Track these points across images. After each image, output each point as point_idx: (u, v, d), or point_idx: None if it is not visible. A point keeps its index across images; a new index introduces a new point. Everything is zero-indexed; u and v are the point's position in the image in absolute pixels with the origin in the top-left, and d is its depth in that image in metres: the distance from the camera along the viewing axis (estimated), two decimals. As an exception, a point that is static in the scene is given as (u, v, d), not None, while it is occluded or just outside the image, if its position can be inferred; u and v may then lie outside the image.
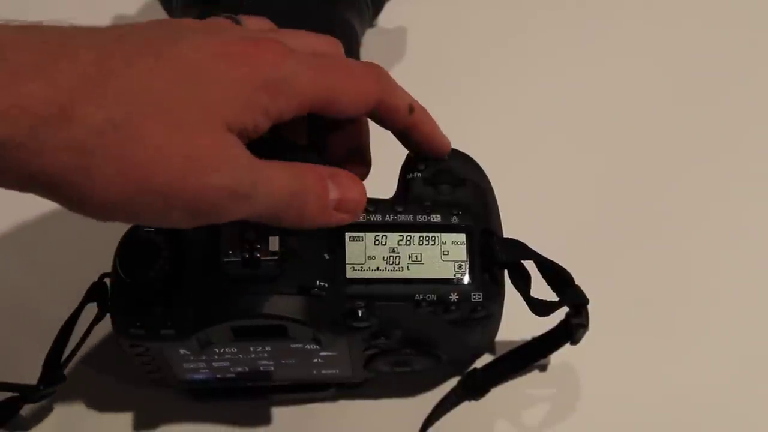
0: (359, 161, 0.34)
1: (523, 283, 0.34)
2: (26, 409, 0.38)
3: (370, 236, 0.33)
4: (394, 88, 0.32)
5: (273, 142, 0.29)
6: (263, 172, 0.28)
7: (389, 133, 0.33)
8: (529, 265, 0.35)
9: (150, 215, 0.26)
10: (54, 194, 0.25)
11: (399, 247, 0.33)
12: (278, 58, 0.28)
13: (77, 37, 0.26)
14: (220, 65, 0.27)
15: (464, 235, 0.33)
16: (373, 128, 0.33)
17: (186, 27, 0.28)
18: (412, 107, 0.32)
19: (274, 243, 0.30)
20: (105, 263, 0.33)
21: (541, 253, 0.34)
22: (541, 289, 0.35)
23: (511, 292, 0.35)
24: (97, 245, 0.34)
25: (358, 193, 0.30)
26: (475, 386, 0.39)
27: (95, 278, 0.35)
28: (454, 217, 0.33)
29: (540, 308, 0.35)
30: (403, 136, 0.33)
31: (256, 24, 0.32)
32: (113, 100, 0.25)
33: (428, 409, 0.39)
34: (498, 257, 0.34)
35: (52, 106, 0.24)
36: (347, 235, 0.33)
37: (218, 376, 0.36)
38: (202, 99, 0.26)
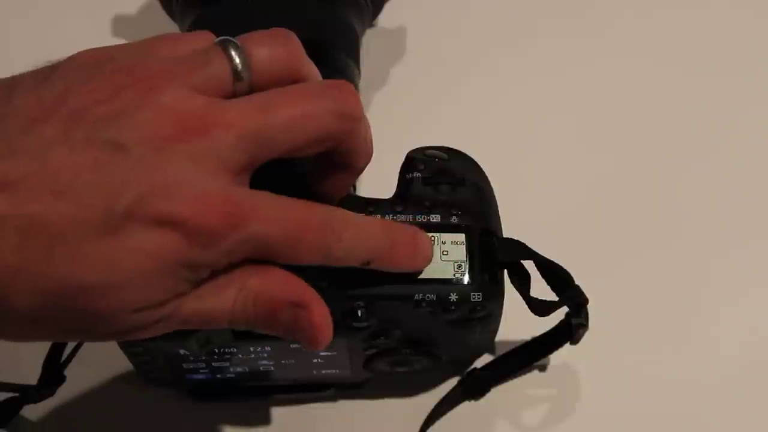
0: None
1: (522, 283, 0.34)
2: (26, 409, 0.38)
3: (369, 236, 0.33)
4: (353, 249, 0.28)
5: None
6: (185, 314, 0.27)
7: (388, 134, 0.33)
8: (529, 265, 0.35)
9: None
10: None
11: (399, 247, 0.33)
12: (219, 234, 0.25)
13: (7, 205, 0.24)
14: (150, 243, 0.24)
15: (464, 235, 0.33)
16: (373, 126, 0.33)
17: (133, 167, 0.24)
18: (367, 262, 0.29)
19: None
20: (105, 263, 0.33)
21: (540, 253, 0.34)
22: (541, 289, 0.35)
23: (511, 292, 0.35)
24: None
25: (313, 333, 0.28)
26: (475, 386, 0.39)
27: (95, 278, 0.35)
28: (454, 217, 0.33)
29: (540, 308, 0.35)
30: None
31: (264, 55, 0.27)
32: (25, 294, 0.24)
33: (428, 409, 0.39)
34: (498, 257, 0.34)
35: None
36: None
37: (218, 376, 0.36)
38: (116, 290, 0.25)
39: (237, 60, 0.27)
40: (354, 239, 0.28)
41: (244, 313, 0.27)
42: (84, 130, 0.24)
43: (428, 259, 0.32)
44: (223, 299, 0.27)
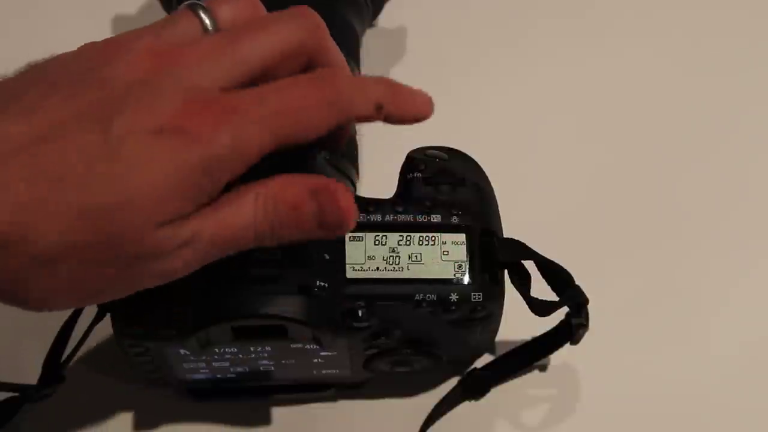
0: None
1: (523, 283, 0.35)
2: (26, 409, 0.38)
3: (370, 236, 0.33)
4: (355, 98, 0.29)
5: None
6: (209, 234, 0.27)
7: (388, 134, 0.33)
8: (530, 265, 0.35)
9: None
10: None
11: (399, 247, 0.33)
12: (216, 128, 0.26)
13: (9, 148, 0.25)
14: (153, 156, 0.25)
15: (464, 235, 0.33)
16: (370, 128, 0.33)
17: (118, 98, 0.26)
18: (380, 106, 0.29)
19: (274, 243, 0.30)
20: (105, 263, 0.33)
21: (541, 253, 0.34)
22: (541, 289, 0.35)
23: (511, 292, 0.35)
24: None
25: (342, 214, 0.28)
26: (475, 386, 0.39)
27: (95, 278, 0.34)
28: (454, 217, 0.33)
29: (540, 308, 0.35)
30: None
31: (228, 11, 0.29)
32: (45, 230, 0.25)
33: (428, 409, 0.39)
34: (498, 257, 0.34)
35: None
36: (347, 235, 0.33)
37: (218, 376, 0.36)
38: (135, 205, 0.25)
39: (206, 20, 0.29)
40: (353, 83, 0.29)
41: (267, 220, 0.27)
42: (70, 82, 0.26)
43: (430, 107, 0.31)
44: (242, 212, 0.27)
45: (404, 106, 0.30)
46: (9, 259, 0.25)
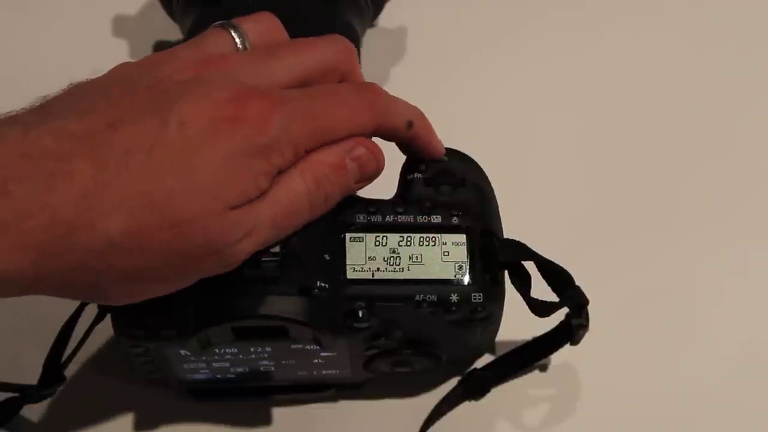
0: None
1: (523, 283, 0.35)
2: (26, 409, 0.38)
3: (370, 237, 0.33)
4: (391, 108, 0.32)
5: None
6: (269, 217, 0.28)
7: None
8: (530, 265, 0.35)
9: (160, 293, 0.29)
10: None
11: (399, 247, 0.33)
12: (267, 115, 0.28)
13: (71, 142, 0.26)
14: (211, 141, 0.27)
15: (464, 235, 0.33)
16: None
17: (170, 92, 0.28)
18: (411, 123, 0.32)
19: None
20: (105, 263, 0.33)
21: (541, 253, 0.34)
22: (541, 290, 0.35)
23: (511, 292, 0.35)
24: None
25: (376, 162, 0.31)
26: (475, 386, 0.39)
27: (95, 278, 0.34)
28: (455, 218, 0.33)
29: (540, 309, 0.35)
30: (401, 145, 0.34)
31: (256, 29, 0.32)
32: (111, 215, 0.25)
33: (428, 409, 0.39)
34: (498, 258, 0.34)
35: (53, 237, 0.25)
36: (348, 235, 0.33)
37: (218, 376, 0.36)
38: (199, 189, 0.26)
39: (237, 36, 0.31)
40: (390, 96, 0.32)
41: (319, 187, 0.30)
42: (120, 86, 0.28)
43: (443, 151, 0.35)
44: (294, 188, 0.29)
45: (429, 133, 0.33)
46: (78, 246, 0.25)
